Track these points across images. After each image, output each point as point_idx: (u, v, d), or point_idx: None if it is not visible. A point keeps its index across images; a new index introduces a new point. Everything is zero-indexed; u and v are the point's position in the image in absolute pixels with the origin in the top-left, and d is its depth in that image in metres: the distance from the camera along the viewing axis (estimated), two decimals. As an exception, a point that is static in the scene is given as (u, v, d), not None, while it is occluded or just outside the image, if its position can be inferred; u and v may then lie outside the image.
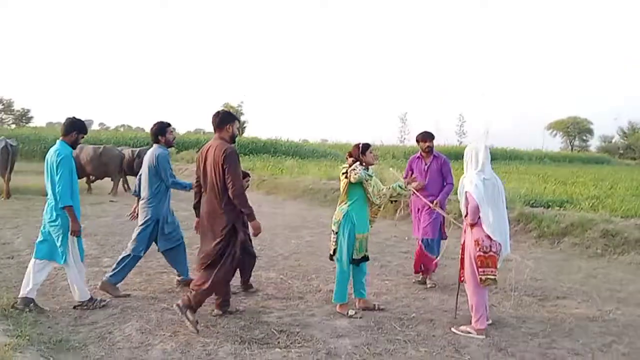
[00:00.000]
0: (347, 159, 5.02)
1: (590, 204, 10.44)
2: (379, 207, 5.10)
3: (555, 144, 63.23)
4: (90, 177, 14.67)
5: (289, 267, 6.72)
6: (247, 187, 4.94)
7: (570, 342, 4.33)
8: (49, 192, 4.70)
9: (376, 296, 5.51)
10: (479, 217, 4.38)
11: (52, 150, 4.72)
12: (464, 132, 49.03)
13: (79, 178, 13.74)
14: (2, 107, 58.94)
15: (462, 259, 4.62)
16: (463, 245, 4.62)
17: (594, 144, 63.71)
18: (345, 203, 4.93)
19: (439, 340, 4.33)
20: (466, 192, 4.43)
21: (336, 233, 4.93)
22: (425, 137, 6.02)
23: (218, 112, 4.54)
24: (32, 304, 4.67)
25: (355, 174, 4.80)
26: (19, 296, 4.72)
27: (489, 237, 4.35)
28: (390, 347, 4.15)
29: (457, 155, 35.75)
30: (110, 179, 14.78)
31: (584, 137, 66.25)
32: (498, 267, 4.45)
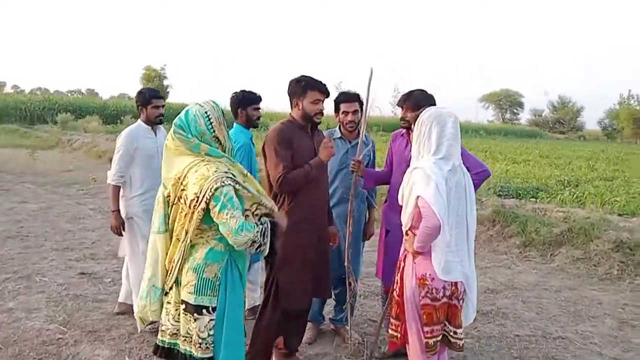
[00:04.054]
0: None
1: (574, 195, 8.28)
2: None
3: (487, 116, 63.33)
4: None
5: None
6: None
7: None
8: None
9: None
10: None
11: None
12: (399, 103, 46.80)
13: None
14: None
15: (398, 304, 2.71)
16: (401, 282, 2.69)
17: (524, 117, 64.32)
18: (213, 238, 2.29)
19: None
20: (418, 197, 2.49)
21: (212, 310, 2.27)
22: (401, 102, 3.37)
23: (293, 80, 3.09)
24: None
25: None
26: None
27: None
28: None
29: (393, 127, 33.25)
30: None
31: (515, 110, 66.82)
32: (465, 322, 2.68)
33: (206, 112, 2.32)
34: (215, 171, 2.19)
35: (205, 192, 2.14)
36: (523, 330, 4.08)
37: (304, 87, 3.03)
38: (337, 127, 3.85)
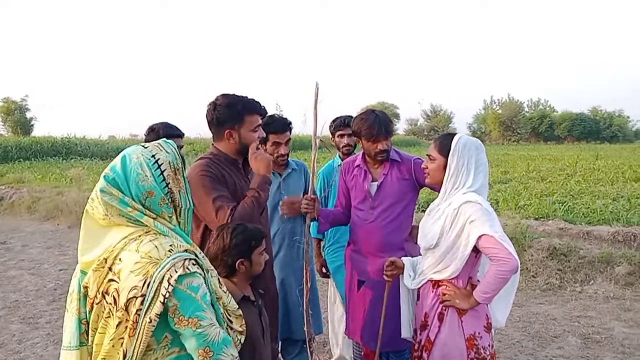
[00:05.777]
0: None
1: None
2: None
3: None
4: None
5: None
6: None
7: None
8: None
9: None
10: None
11: None
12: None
13: None
14: None
15: None
16: (431, 345, 2.23)
17: (401, 127, 67.40)
18: None
19: None
20: (482, 236, 2.07)
21: None
22: (378, 132, 2.72)
23: (214, 104, 2.37)
24: None
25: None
26: None
27: (488, 326, 2.23)
28: None
29: (300, 146, 28.80)
30: None
31: (392, 121, 69.99)
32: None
33: (154, 156, 1.52)
34: (169, 250, 1.43)
35: (158, 286, 1.37)
36: None
37: (240, 112, 2.33)
38: None
